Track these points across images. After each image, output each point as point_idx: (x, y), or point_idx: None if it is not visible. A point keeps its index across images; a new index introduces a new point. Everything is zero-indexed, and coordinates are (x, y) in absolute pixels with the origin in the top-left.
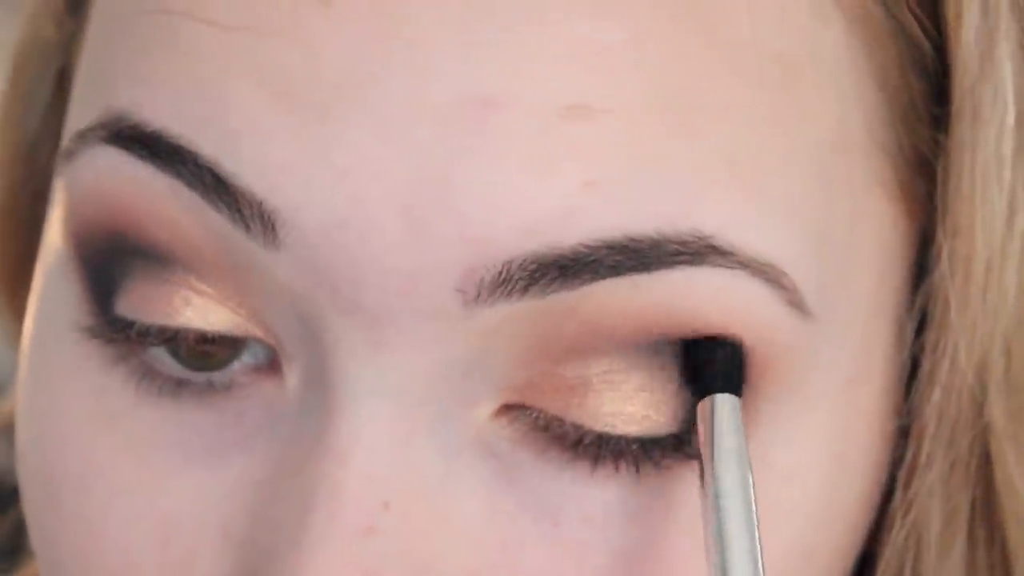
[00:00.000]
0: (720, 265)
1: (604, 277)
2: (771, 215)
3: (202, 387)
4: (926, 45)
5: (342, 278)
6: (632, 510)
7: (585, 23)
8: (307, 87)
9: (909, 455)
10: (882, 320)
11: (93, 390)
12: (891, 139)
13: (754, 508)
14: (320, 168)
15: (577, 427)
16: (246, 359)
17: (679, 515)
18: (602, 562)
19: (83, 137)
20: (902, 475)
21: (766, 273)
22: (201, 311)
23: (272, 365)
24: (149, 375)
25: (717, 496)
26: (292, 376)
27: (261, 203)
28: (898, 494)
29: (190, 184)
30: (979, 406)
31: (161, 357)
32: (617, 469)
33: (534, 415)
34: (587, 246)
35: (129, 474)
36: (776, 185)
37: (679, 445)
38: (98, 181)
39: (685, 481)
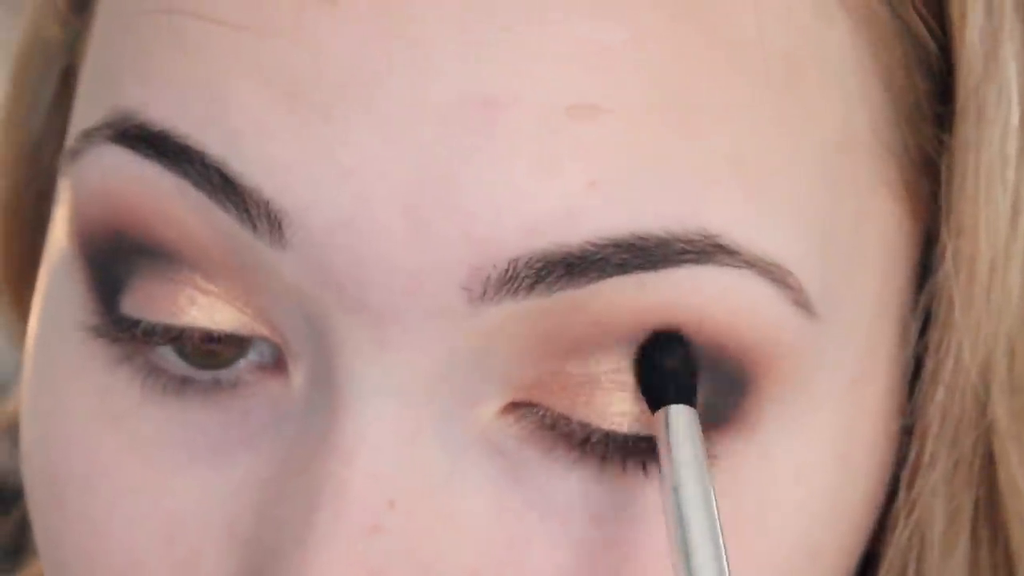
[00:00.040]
0: (726, 264)
1: (611, 275)
2: (776, 215)
3: (207, 386)
4: (931, 45)
5: (348, 277)
6: (638, 510)
7: (587, 23)
8: (312, 86)
9: (913, 454)
10: (886, 320)
11: (98, 389)
12: (896, 139)
13: (716, 515)
14: (325, 168)
15: (584, 425)
16: (252, 358)
17: None
18: (609, 561)
19: (89, 136)
20: (906, 475)
21: (772, 273)
22: (207, 310)
23: (278, 364)
24: (154, 374)
25: (679, 506)
26: (298, 375)
27: (268, 203)
28: (902, 494)
29: (197, 184)
30: (983, 406)
31: (166, 356)
32: (624, 468)
33: (540, 413)
34: (594, 244)
35: (134, 473)
36: (780, 185)
37: None
38: (104, 180)
39: None
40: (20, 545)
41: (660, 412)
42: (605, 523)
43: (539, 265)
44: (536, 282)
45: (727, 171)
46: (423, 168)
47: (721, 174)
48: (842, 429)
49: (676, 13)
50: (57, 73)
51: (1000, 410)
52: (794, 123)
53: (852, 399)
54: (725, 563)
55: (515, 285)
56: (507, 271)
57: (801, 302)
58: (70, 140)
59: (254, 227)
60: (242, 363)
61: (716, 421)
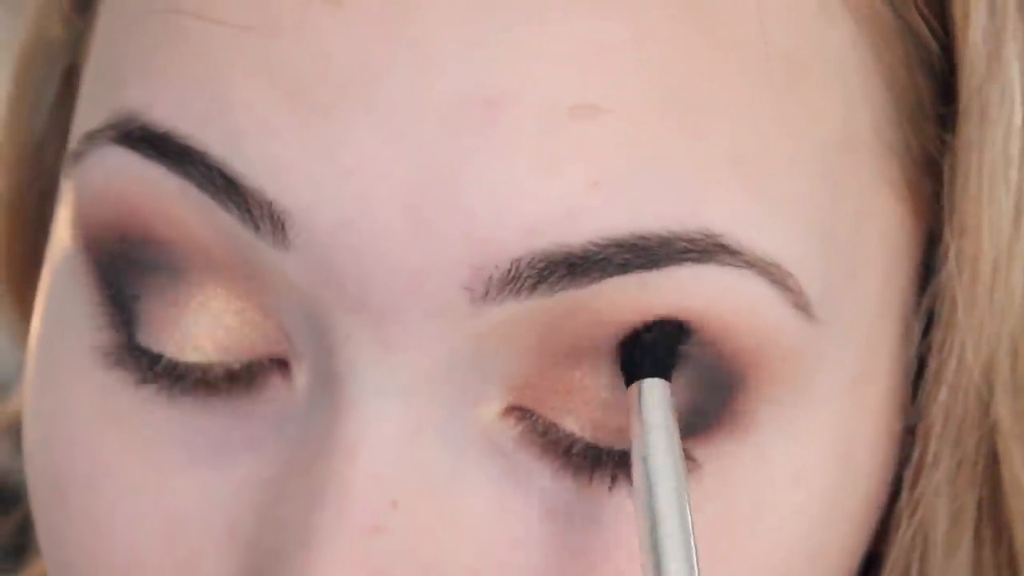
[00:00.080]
0: (728, 264)
1: (612, 275)
2: (777, 215)
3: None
4: (933, 44)
5: (349, 277)
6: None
7: (588, 22)
8: (314, 86)
9: (915, 455)
10: (888, 320)
11: (100, 389)
12: (898, 139)
13: (685, 487)
14: (327, 168)
15: (568, 435)
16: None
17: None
18: (610, 564)
19: (92, 138)
20: (908, 475)
21: (772, 274)
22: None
23: (281, 365)
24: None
25: (647, 475)
26: (301, 375)
27: (271, 203)
28: (904, 494)
29: (200, 185)
30: (986, 406)
31: None
32: (615, 478)
33: (534, 418)
34: (596, 244)
35: (136, 473)
36: (782, 185)
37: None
38: (107, 182)
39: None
40: (22, 545)
41: (633, 386)
42: (606, 526)
43: (541, 265)
44: (538, 282)
45: (728, 170)
46: (424, 167)
47: (722, 173)
48: (843, 430)
49: (677, 12)
50: (59, 73)
51: (1003, 410)
52: (796, 122)
53: (853, 399)
54: (692, 535)
55: (517, 285)
56: (509, 271)
57: (801, 305)
58: (73, 141)
59: (256, 228)
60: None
61: (708, 421)
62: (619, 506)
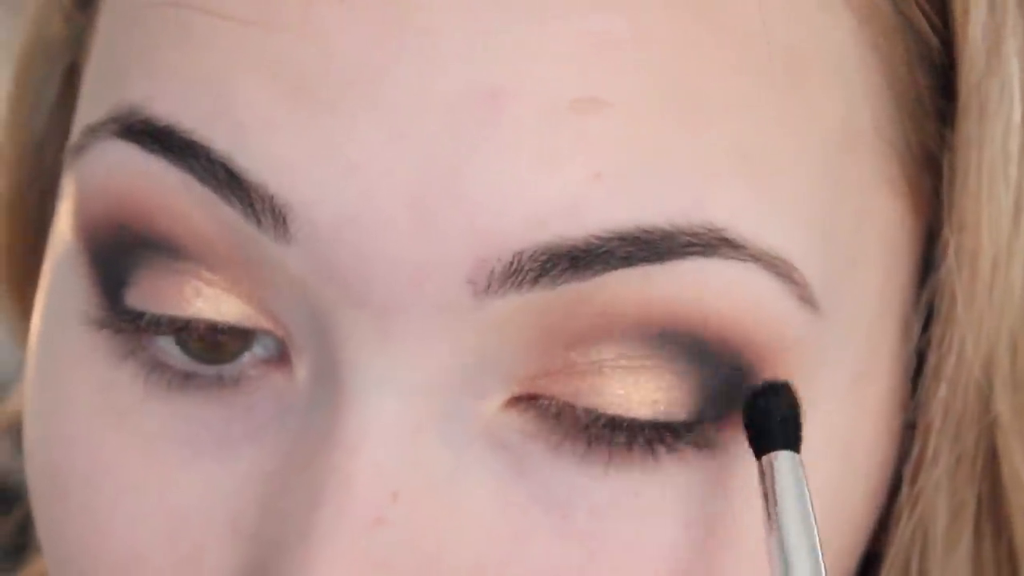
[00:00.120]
0: (732, 258)
1: (616, 268)
2: (779, 210)
3: (211, 380)
4: (933, 40)
5: (352, 272)
6: (642, 503)
7: (593, 16)
8: (318, 82)
9: (915, 450)
10: (888, 317)
11: (101, 385)
12: (898, 135)
13: (822, 564)
14: (331, 163)
15: (589, 411)
16: (255, 352)
17: (689, 508)
18: (612, 555)
19: (94, 131)
20: (908, 470)
21: (777, 267)
22: (212, 301)
23: (282, 357)
24: (158, 369)
25: (785, 559)
26: (302, 368)
27: (273, 197)
28: (904, 489)
29: (202, 178)
30: (985, 401)
31: (170, 351)
32: (631, 449)
33: (545, 403)
34: (599, 237)
35: (137, 469)
36: (784, 181)
37: (692, 434)
38: (109, 175)
39: (696, 473)
40: (22, 544)
41: (767, 457)
42: (608, 516)
43: (544, 258)
44: (541, 275)
45: (731, 165)
46: (428, 163)
47: (725, 168)
48: (845, 426)
49: (678, 9)
50: (60, 72)
51: (1003, 406)
52: (798, 120)
53: (854, 396)
54: None
55: (519, 278)
56: (512, 264)
57: (805, 297)
58: (74, 135)
59: (259, 222)
60: (246, 357)
61: (718, 415)
62: (623, 495)
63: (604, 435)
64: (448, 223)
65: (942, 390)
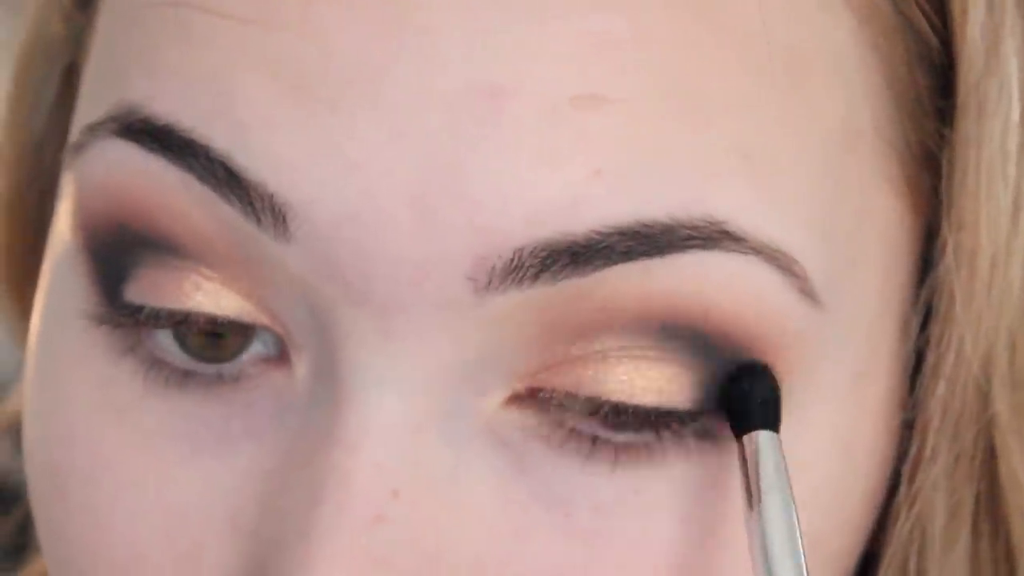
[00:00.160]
0: (733, 251)
1: (616, 263)
2: (780, 205)
3: (211, 378)
4: (933, 40)
5: (353, 271)
6: (646, 500)
7: (593, 15)
8: (319, 80)
9: (914, 449)
10: (888, 316)
11: (101, 382)
12: (898, 135)
13: (799, 537)
14: (331, 162)
15: (592, 399)
16: (255, 350)
17: (691, 505)
18: (615, 552)
19: (93, 130)
20: (907, 469)
21: (778, 260)
22: (212, 296)
23: (281, 355)
24: (157, 366)
25: (763, 529)
26: (301, 366)
27: (272, 196)
28: (903, 488)
29: (202, 177)
30: (984, 400)
31: (169, 348)
32: (638, 436)
33: (546, 396)
34: (599, 233)
35: (137, 466)
36: (784, 180)
37: (695, 423)
38: (108, 174)
39: (698, 469)
40: (21, 544)
41: (748, 437)
42: (610, 514)
43: (544, 254)
44: (541, 271)
45: (731, 164)
46: (429, 157)
47: (725, 163)
48: (845, 424)
49: (680, 7)
50: (59, 72)
51: (1001, 404)
52: (798, 117)
53: (855, 395)
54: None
55: (520, 274)
56: (512, 260)
57: (806, 290)
58: (74, 134)
59: (258, 220)
60: (245, 355)
61: (718, 408)
62: (624, 492)
63: (609, 427)
64: (448, 221)
65: (941, 388)
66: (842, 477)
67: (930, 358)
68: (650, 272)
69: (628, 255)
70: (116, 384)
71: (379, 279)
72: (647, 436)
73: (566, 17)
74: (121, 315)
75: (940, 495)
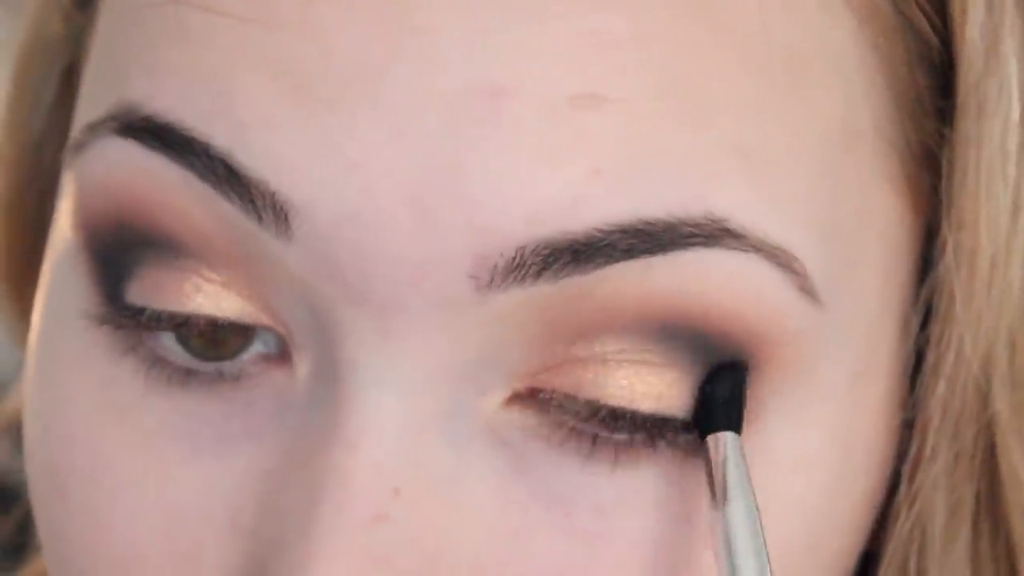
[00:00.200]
0: (734, 248)
1: (617, 261)
2: (779, 207)
3: (211, 377)
4: (933, 40)
5: (352, 270)
6: (646, 500)
7: (593, 15)
8: (318, 80)
9: (914, 448)
10: (888, 316)
11: (101, 381)
12: (898, 134)
13: (762, 538)
14: (331, 162)
15: (590, 403)
16: (256, 349)
17: (690, 505)
18: (613, 552)
19: (94, 129)
20: (907, 468)
21: (778, 257)
22: (212, 297)
23: (282, 355)
24: (158, 365)
25: (727, 529)
26: (302, 366)
27: (274, 194)
28: (903, 487)
29: (202, 175)
30: (984, 399)
31: (170, 347)
32: (632, 443)
33: (546, 397)
34: (600, 231)
35: (137, 466)
36: (784, 178)
37: (690, 430)
38: (109, 172)
39: (696, 468)
40: (21, 544)
41: (711, 438)
42: (610, 514)
43: (546, 252)
44: (543, 269)
45: (731, 159)
46: (429, 157)
47: (725, 162)
48: (844, 424)
49: (680, 7)
50: (59, 72)
51: (1001, 404)
52: (798, 117)
53: (854, 395)
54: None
55: (522, 272)
56: (515, 259)
57: (806, 288)
58: (74, 133)
59: (259, 218)
60: (246, 355)
61: None
62: (623, 492)
63: (607, 430)
64: (449, 220)
65: (940, 388)
66: (842, 476)
67: (930, 357)
68: (651, 270)
69: (630, 253)
70: (117, 383)
71: (378, 279)
72: (645, 438)
73: (566, 17)
74: (122, 316)
75: (940, 494)
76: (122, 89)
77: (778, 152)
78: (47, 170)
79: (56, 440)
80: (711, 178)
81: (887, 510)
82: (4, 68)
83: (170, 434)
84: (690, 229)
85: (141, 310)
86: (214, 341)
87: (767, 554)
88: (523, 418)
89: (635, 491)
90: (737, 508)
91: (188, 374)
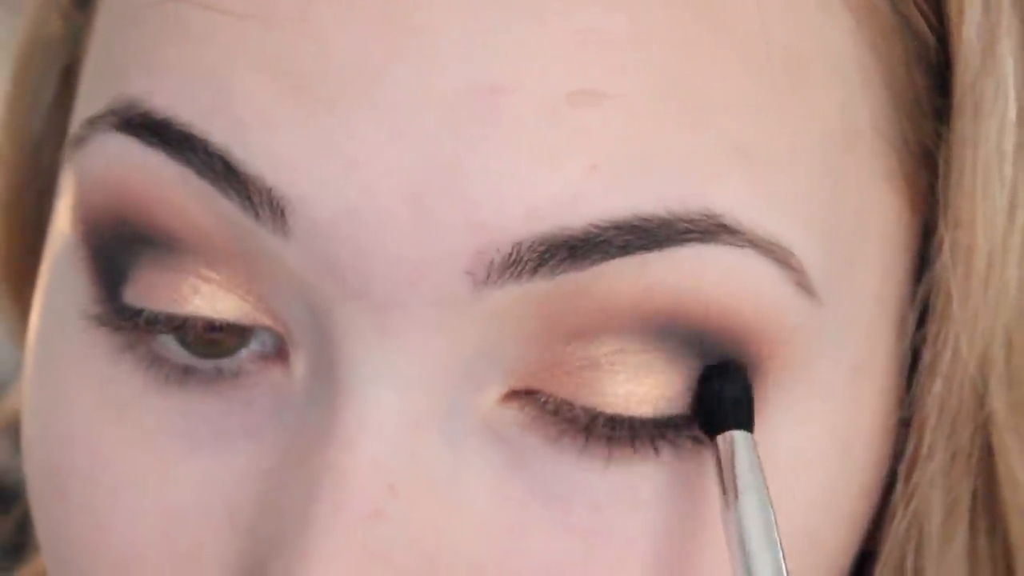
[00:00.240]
0: (730, 244)
1: (614, 257)
2: (778, 206)
3: (210, 375)
4: (930, 39)
5: (350, 268)
6: (642, 496)
7: (591, 11)
8: (318, 80)
9: (911, 446)
10: (885, 317)
11: (100, 380)
12: (896, 133)
13: (777, 535)
14: (331, 161)
15: (588, 410)
16: (254, 347)
17: (689, 502)
18: (611, 549)
19: (93, 124)
20: (903, 467)
21: (775, 253)
22: (209, 299)
23: (280, 353)
24: (156, 363)
25: (741, 527)
26: (300, 364)
27: (271, 190)
28: (900, 485)
29: (200, 172)
30: (981, 398)
31: (169, 345)
32: (634, 449)
33: (543, 399)
34: (597, 227)
35: (136, 465)
36: (782, 177)
37: (690, 430)
38: (108, 167)
39: (694, 466)
40: (20, 543)
41: (723, 436)
42: (607, 510)
43: (542, 248)
44: (539, 265)
45: (729, 159)
46: (428, 156)
47: (723, 161)
48: (843, 421)
49: (679, 7)
50: (58, 72)
51: (998, 402)
52: (796, 117)
53: (852, 393)
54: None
55: (518, 268)
56: (511, 255)
57: (803, 284)
58: (74, 128)
59: (256, 215)
60: (244, 352)
61: None
62: (620, 489)
63: (603, 432)
64: (447, 218)
65: (937, 386)
66: (839, 474)
67: (927, 356)
68: (647, 266)
69: (625, 249)
70: (116, 382)
71: (376, 277)
72: (643, 441)
73: (566, 15)
74: (121, 319)
75: (937, 492)
76: (121, 85)
77: (777, 151)
78: (46, 170)
79: (55, 439)
80: (710, 177)
81: (884, 509)
82: (3, 68)
83: (169, 432)
84: (686, 225)
85: (138, 311)
86: (212, 340)
87: (782, 550)
88: (520, 415)
89: (631, 487)
90: (751, 503)
91: (186, 372)
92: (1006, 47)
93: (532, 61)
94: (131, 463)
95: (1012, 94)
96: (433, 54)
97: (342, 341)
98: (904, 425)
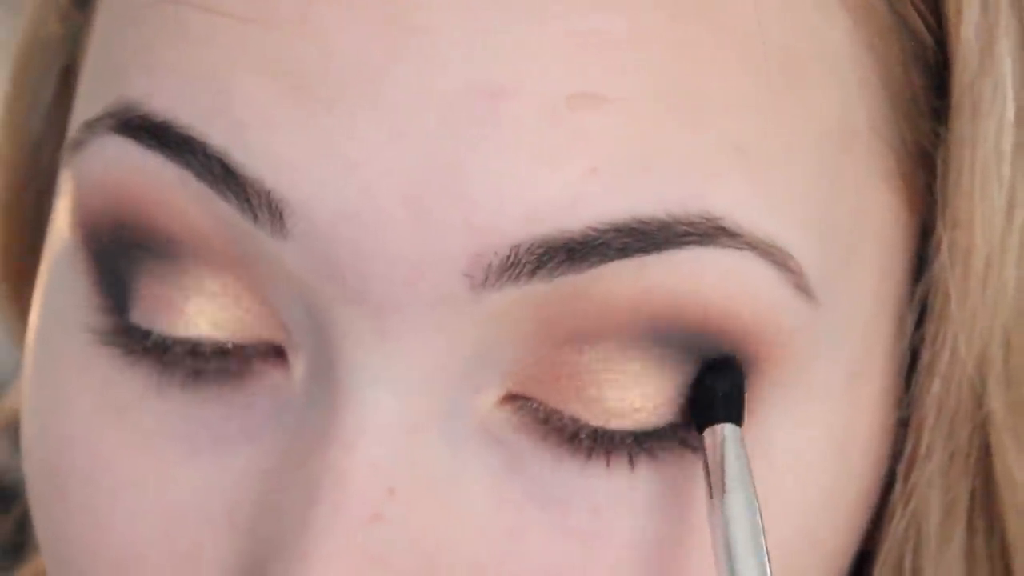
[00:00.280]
0: (729, 246)
1: (612, 259)
2: (776, 206)
3: (210, 378)
4: (928, 39)
5: (349, 270)
6: (637, 501)
7: (593, 15)
8: (318, 81)
9: (909, 447)
10: (883, 315)
11: (101, 383)
12: (893, 134)
13: (761, 530)
14: (330, 161)
15: (574, 420)
16: (254, 350)
17: (682, 507)
18: (609, 552)
19: (91, 127)
20: (902, 467)
21: (773, 255)
22: (211, 316)
23: (279, 355)
24: (158, 370)
25: (726, 521)
26: (299, 366)
27: (269, 192)
28: (898, 485)
29: (199, 174)
30: (979, 398)
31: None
32: (608, 464)
33: (535, 406)
34: (595, 229)
35: (136, 466)
36: (781, 177)
37: (677, 436)
38: (107, 171)
39: (686, 472)
40: (20, 543)
41: (712, 429)
42: (605, 513)
43: (540, 251)
44: (538, 267)
45: (727, 160)
46: (428, 157)
47: (721, 162)
48: (841, 422)
49: (679, 8)
50: (57, 72)
51: (996, 403)
52: (794, 116)
53: (850, 394)
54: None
55: (516, 271)
56: (509, 257)
57: (801, 286)
58: (72, 131)
59: (255, 217)
60: (244, 356)
61: None
62: (618, 491)
63: (585, 444)
64: (446, 220)
65: (935, 387)
66: (837, 475)
67: (925, 356)
68: (646, 269)
69: (624, 251)
70: (116, 385)
71: (376, 279)
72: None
73: (566, 17)
74: (129, 339)
75: (935, 493)
76: (120, 87)
77: (776, 152)
78: (45, 170)
79: (55, 440)
80: (710, 177)
81: (882, 509)
82: (3, 68)
83: (169, 435)
84: (685, 228)
85: (147, 333)
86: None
87: (766, 547)
88: (517, 417)
89: (630, 490)
90: (737, 500)
91: (187, 375)
92: (1004, 47)
93: (532, 62)
94: (131, 465)
95: (1010, 94)
96: (433, 54)
97: (341, 343)
98: (902, 425)
